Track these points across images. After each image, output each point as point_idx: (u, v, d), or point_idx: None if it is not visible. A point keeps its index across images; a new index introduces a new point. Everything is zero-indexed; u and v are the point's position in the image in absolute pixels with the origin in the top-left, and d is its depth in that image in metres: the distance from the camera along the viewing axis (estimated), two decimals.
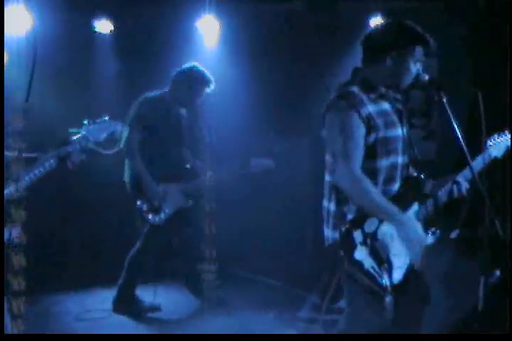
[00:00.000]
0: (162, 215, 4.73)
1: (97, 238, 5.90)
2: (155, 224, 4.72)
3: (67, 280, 5.42)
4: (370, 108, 2.92)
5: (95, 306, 4.98)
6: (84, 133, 3.30)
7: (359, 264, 2.84)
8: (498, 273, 3.73)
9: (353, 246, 2.84)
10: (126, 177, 4.77)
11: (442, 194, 3.05)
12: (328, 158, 3.03)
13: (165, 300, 5.03)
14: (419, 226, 2.94)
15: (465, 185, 3.10)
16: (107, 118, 3.39)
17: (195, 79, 4.75)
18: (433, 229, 3.03)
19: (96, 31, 5.69)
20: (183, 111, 4.92)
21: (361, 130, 2.88)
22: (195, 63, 4.81)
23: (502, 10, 4.81)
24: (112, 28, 5.69)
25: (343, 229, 2.87)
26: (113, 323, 4.69)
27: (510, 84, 4.33)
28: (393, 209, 2.88)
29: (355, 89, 2.96)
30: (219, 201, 5.17)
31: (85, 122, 3.35)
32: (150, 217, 4.69)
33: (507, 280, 3.81)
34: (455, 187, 3.07)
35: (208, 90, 4.79)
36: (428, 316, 3.21)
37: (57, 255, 5.66)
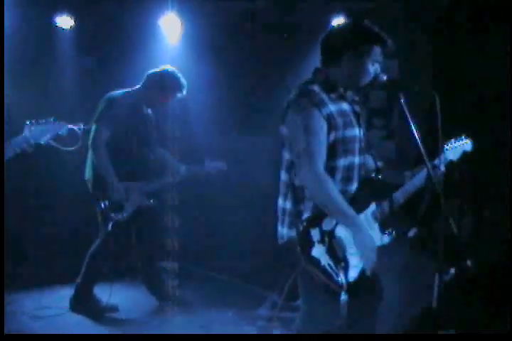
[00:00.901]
0: (124, 213, 4.70)
1: (54, 236, 5.82)
2: (117, 222, 4.68)
3: (24, 278, 5.35)
4: (331, 107, 2.94)
5: (51, 304, 4.91)
6: (24, 134, 3.25)
7: (316, 261, 2.85)
8: (452, 271, 3.80)
9: (310, 244, 2.85)
10: (89, 175, 4.72)
11: (398, 195, 3.09)
12: (285, 155, 3.03)
13: (123, 299, 4.99)
14: (374, 231, 2.99)
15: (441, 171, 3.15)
16: (52, 119, 3.33)
17: (170, 83, 4.73)
18: (389, 230, 3.06)
19: (57, 26, 5.63)
20: (149, 110, 4.89)
21: (324, 128, 2.89)
22: (173, 67, 4.79)
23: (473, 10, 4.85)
24: (73, 23, 5.63)
25: (301, 226, 2.88)
26: (69, 321, 4.64)
27: (510, 84, 4.39)
28: (351, 212, 2.90)
29: (316, 88, 2.98)
30: (181, 200, 5.16)
31: (27, 122, 3.30)
32: (112, 214, 4.65)
33: (461, 278, 3.89)
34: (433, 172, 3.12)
35: (179, 95, 4.78)
36: (383, 315, 3.24)
37: (13, 253, 5.57)
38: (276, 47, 5.62)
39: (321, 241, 2.86)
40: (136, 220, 4.78)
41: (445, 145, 3.27)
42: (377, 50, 2.98)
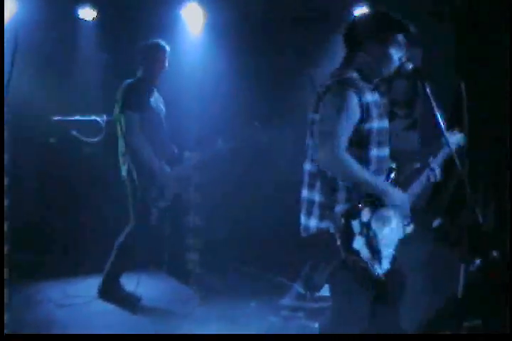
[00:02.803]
0: (166, 201, 4.73)
1: (80, 225, 5.87)
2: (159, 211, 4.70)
3: (51, 267, 5.39)
4: (369, 97, 2.93)
5: (78, 292, 4.95)
6: None
7: (357, 253, 2.85)
8: (478, 261, 3.78)
9: (351, 236, 2.84)
10: (127, 163, 4.70)
11: (415, 186, 3.12)
12: (311, 144, 3.02)
13: (148, 288, 5.02)
14: (404, 195, 3.02)
15: (438, 170, 3.19)
16: None
17: (153, 51, 4.77)
18: (408, 221, 3.07)
19: (80, 18, 5.65)
20: (158, 94, 4.91)
21: (356, 116, 2.88)
22: (149, 40, 4.84)
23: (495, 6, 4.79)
24: (96, 15, 5.65)
25: (342, 218, 2.86)
26: (96, 310, 4.69)
27: (510, 84, 4.35)
28: (379, 180, 2.94)
29: (354, 75, 2.97)
30: (205, 191, 5.17)
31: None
32: (159, 203, 4.69)
33: (487, 269, 3.87)
34: (430, 174, 3.15)
35: (167, 58, 4.81)
36: (408, 306, 3.24)
37: (39, 243, 5.64)
38: (300, 37, 5.58)
39: (361, 233, 2.86)
40: (171, 209, 4.80)
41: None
42: (400, 38, 2.98)
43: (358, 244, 2.84)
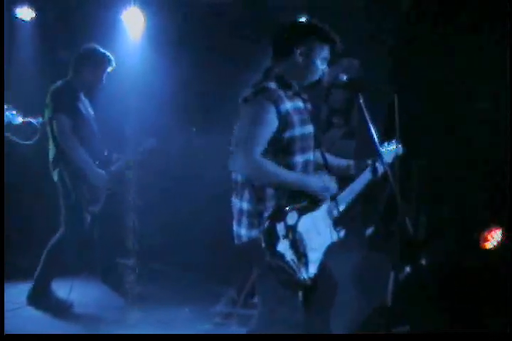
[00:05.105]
0: (99, 204, 4.68)
1: (9, 230, 5.73)
2: (93, 214, 4.64)
3: None
4: (288, 105, 2.97)
5: (8, 299, 4.84)
6: None
7: (281, 256, 2.86)
8: (408, 269, 3.87)
9: (276, 239, 2.85)
10: (58, 166, 4.64)
11: (346, 194, 3.16)
12: (231, 149, 3.03)
13: (81, 294, 4.95)
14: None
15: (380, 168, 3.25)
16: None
17: (96, 59, 4.73)
18: (340, 227, 3.11)
19: (17, 18, 5.55)
20: (86, 99, 4.86)
21: (273, 125, 2.91)
22: (92, 44, 4.78)
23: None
24: (34, 15, 5.56)
25: (267, 222, 2.87)
26: (25, 316, 4.59)
27: (510, 84, 4.47)
28: (297, 174, 2.97)
29: (272, 85, 3.01)
30: (140, 197, 5.13)
31: None
32: (92, 206, 4.63)
33: (417, 276, 3.96)
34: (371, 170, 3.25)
35: (109, 69, 4.77)
36: (339, 312, 3.28)
37: None
38: (241, 43, 5.60)
39: (286, 236, 2.87)
40: (104, 213, 4.75)
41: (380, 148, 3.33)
42: (325, 48, 3.04)
43: (283, 247, 2.85)
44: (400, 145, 3.46)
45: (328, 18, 3.22)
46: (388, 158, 3.37)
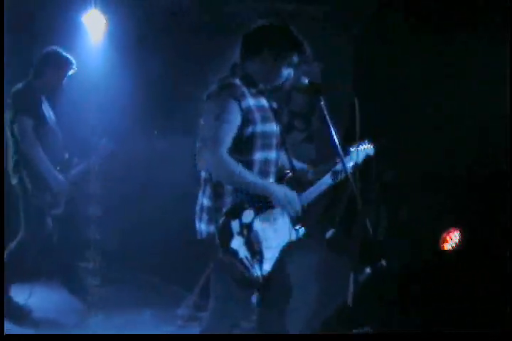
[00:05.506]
0: (60, 208, 4.62)
1: None
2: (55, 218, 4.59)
3: None
4: (251, 101, 3.00)
5: None
6: None
7: (235, 254, 2.88)
8: (368, 270, 3.91)
9: (230, 236, 2.88)
10: (17, 169, 4.56)
11: (307, 195, 3.17)
12: (197, 145, 3.05)
13: (39, 299, 4.88)
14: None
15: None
16: None
17: (58, 62, 4.68)
18: (299, 226, 3.13)
19: None
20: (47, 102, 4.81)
21: (237, 120, 2.94)
22: (54, 47, 4.73)
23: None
24: None
25: (222, 218, 2.90)
26: None
27: (510, 85, 4.53)
28: (263, 180, 2.97)
29: (236, 81, 3.03)
30: (100, 199, 5.09)
31: None
32: (53, 210, 4.57)
33: (378, 277, 4.01)
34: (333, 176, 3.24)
35: (70, 72, 4.73)
36: (298, 313, 3.30)
37: None
38: (201, 46, 5.60)
39: (240, 233, 2.90)
40: (65, 217, 4.70)
41: (350, 148, 3.37)
42: (294, 57, 3.06)
43: (237, 244, 2.88)
44: (371, 146, 3.50)
45: (288, 20, 3.26)
46: (359, 159, 3.41)
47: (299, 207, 3.05)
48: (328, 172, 3.27)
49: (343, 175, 3.21)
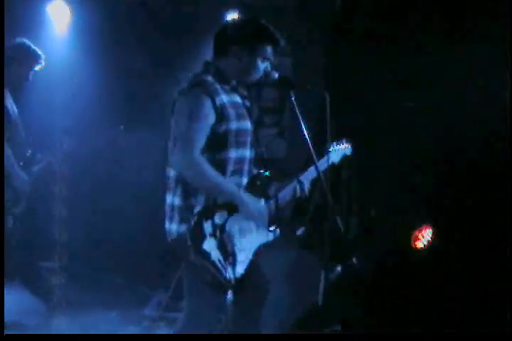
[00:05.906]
0: (21, 206, 4.49)
1: None
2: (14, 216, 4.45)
3: None
4: (224, 98, 2.92)
5: None
6: None
7: (206, 255, 2.81)
8: (339, 268, 3.87)
9: (202, 237, 2.81)
10: None
11: (284, 195, 3.10)
12: (169, 145, 2.96)
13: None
14: (260, 202, 2.99)
15: (307, 185, 3.17)
16: None
17: (25, 55, 4.50)
18: (274, 227, 3.05)
19: None
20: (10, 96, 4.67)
21: (210, 118, 2.86)
22: (23, 39, 4.57)
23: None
24: None
25: (194, 219, 2.83)
26: None
27: (510, 85, 4.49)
28: (234, 189, 2.89)
29: (209, 78, 2.96)
30: (64, 196, 4.99)
31: None
32: (14, 208, 4.43)
33: (348, 275, 3.96)
34: (298, 187, 3.14)
35: (37, 67, 4.56)
36: (270, 312, 3.24)
37: None
38: (169, 40, 5.52)
39: (213, 234, 2.83)
40: (27, 215, 4.57)
41: (329, 147, 3.30)
42: (268, 49, 2.99)
43: (209, 246, 2.81)
44: (348, 145, 3.46)
45: (259, 15, 3.19)
46: (336, 158, 3.38)
47: (265, 219, 2.98)
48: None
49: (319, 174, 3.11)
